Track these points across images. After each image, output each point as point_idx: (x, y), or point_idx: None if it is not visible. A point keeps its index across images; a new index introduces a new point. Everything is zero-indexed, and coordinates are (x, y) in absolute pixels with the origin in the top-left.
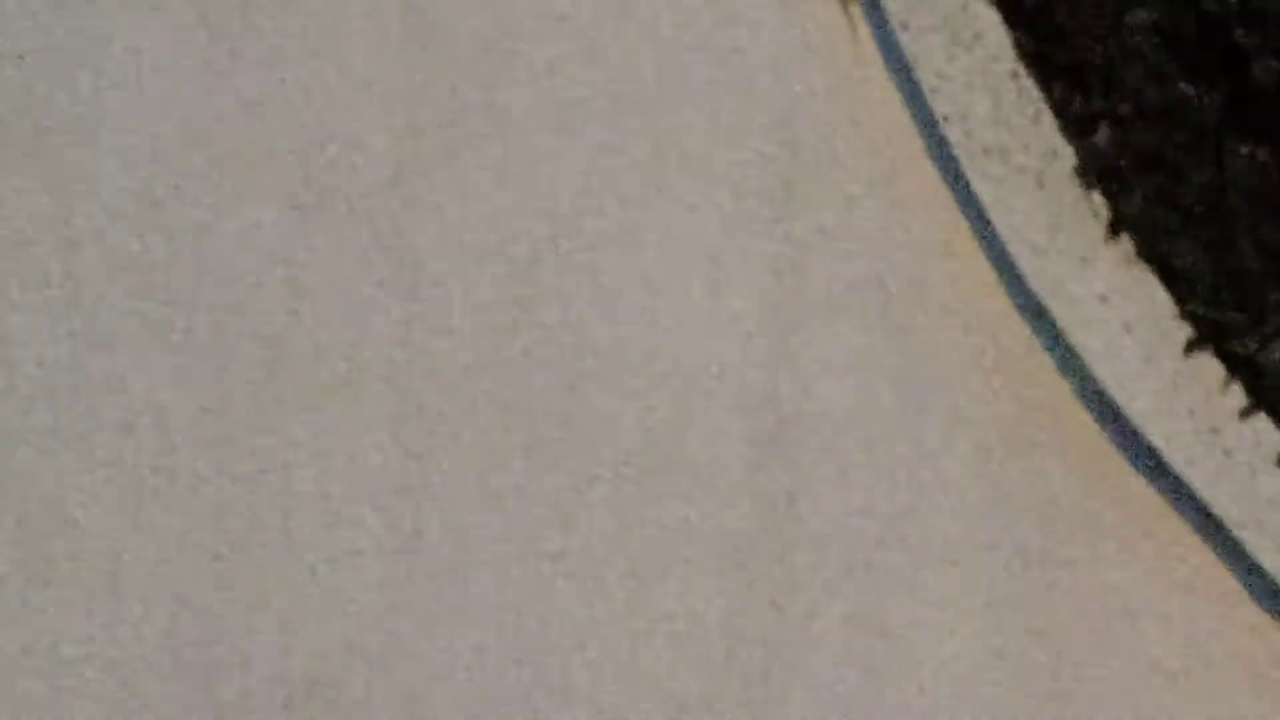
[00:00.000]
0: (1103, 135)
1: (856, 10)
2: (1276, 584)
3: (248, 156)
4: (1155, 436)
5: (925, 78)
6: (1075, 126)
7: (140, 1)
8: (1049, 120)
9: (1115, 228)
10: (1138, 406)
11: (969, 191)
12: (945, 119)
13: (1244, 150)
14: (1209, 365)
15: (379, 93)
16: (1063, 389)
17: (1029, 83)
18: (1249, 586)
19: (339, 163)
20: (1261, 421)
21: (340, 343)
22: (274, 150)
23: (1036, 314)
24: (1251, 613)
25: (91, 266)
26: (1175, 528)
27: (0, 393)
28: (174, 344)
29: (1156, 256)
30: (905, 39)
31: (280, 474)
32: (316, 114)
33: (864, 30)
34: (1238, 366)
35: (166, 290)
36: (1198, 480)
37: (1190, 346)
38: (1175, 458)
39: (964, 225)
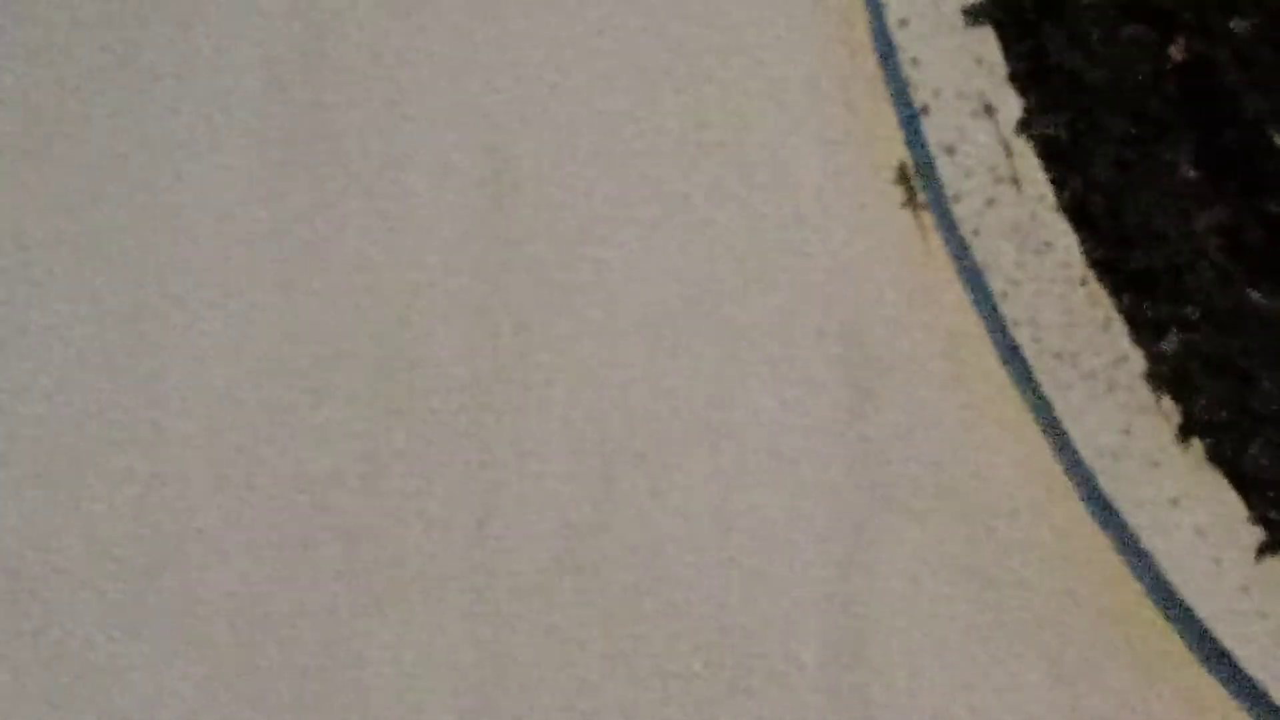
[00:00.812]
0: (1172, 340)
1: (927, 217)
2: None
3: (330, 351)
4: (1227, 640)
5: (995, 284)
6: (1145, 332)
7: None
8: (1119, 326)
9: (1186, 432)
10: (1209, 610)
11: (1040, 396)
12: (1015, 324)
13: None
14: None
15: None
16: (1135, 592)
17: (1098, 288)
18: None
19: (420, 366)
20: None
21: (419, 538)
22: (355, 348)
23: (1108, 517)
24: None
25: (175, 459)
26: None
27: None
28: (255, 536)
29: (1227, 460)
30: (976, 245)
31: (355, 669)
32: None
33: (934, 236)
34: None
35: (248, 479)
36: (1271, 684)
37: (1262, 550)
38: (1248, 662)
39: (1035, 429)
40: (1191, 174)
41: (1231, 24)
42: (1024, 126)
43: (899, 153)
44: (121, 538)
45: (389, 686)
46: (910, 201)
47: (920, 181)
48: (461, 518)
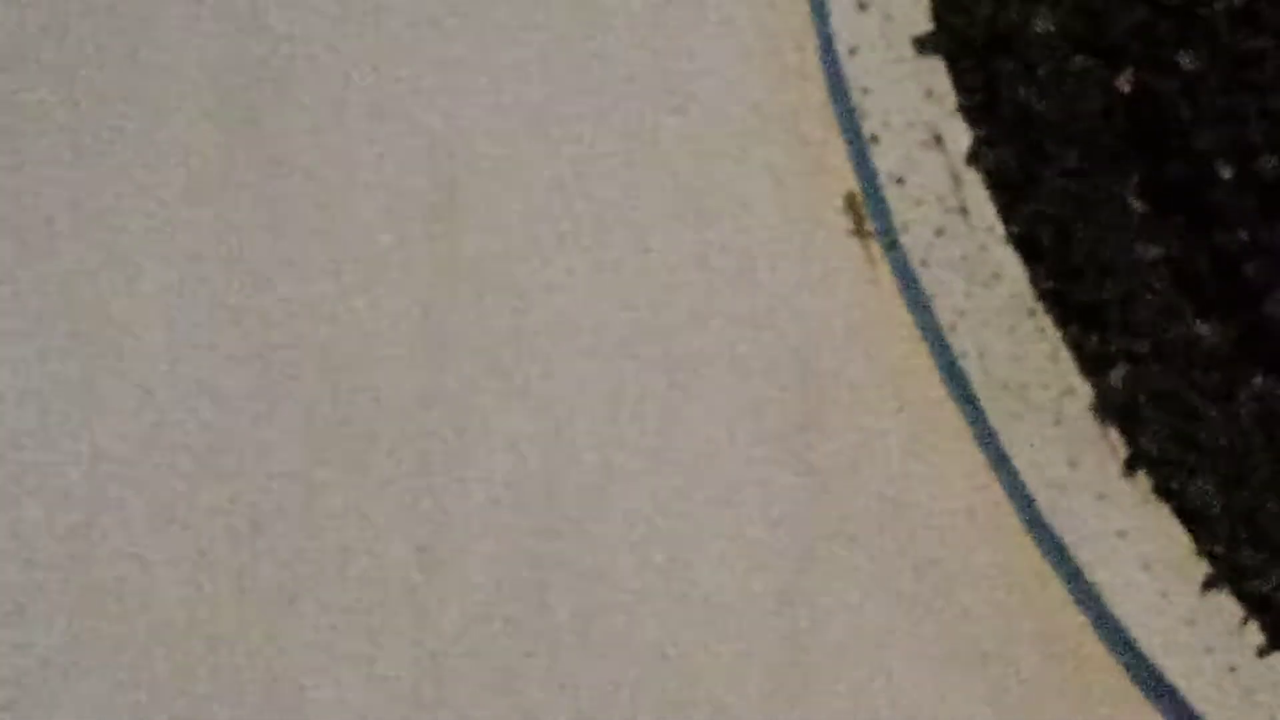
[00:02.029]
0: (1119, 372)
1: (875, 246)
2: None
3: (271, 375)
4: (1173, 674)
5: (943, 314)
6: (1092, 364)
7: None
8: (1066, 358)
9: (1132, 464)
10: (1155, 643)
11: (987, 427)
12: (963, 355)
13: (1258, 387)
14: (1226, 603)
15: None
16: (1081, 625)
17: (1046, 320)
18: None
19: (361, 391)
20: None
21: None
22: (296, 372)
23: (1054, 549)
24: None
25: (111, 484)
26: None
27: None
28: (193, 563)
29: (1174, 494)
30: (924, 275)
31: (295, 698)
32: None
33: (882, 266)
34: (1255, 605)
35: (187, 504)
36: (1217, 718)
37: (1207, 584)
38: (1193, 695)
39: (981, 459)
40: (1139, 206)
41: (1179, 58)
42: (973, 158)
43: (848, 182)
44: (57, 564)
45: (331, 716)
46: (858, 231)
47: (868, 211)
48: (402, 545)
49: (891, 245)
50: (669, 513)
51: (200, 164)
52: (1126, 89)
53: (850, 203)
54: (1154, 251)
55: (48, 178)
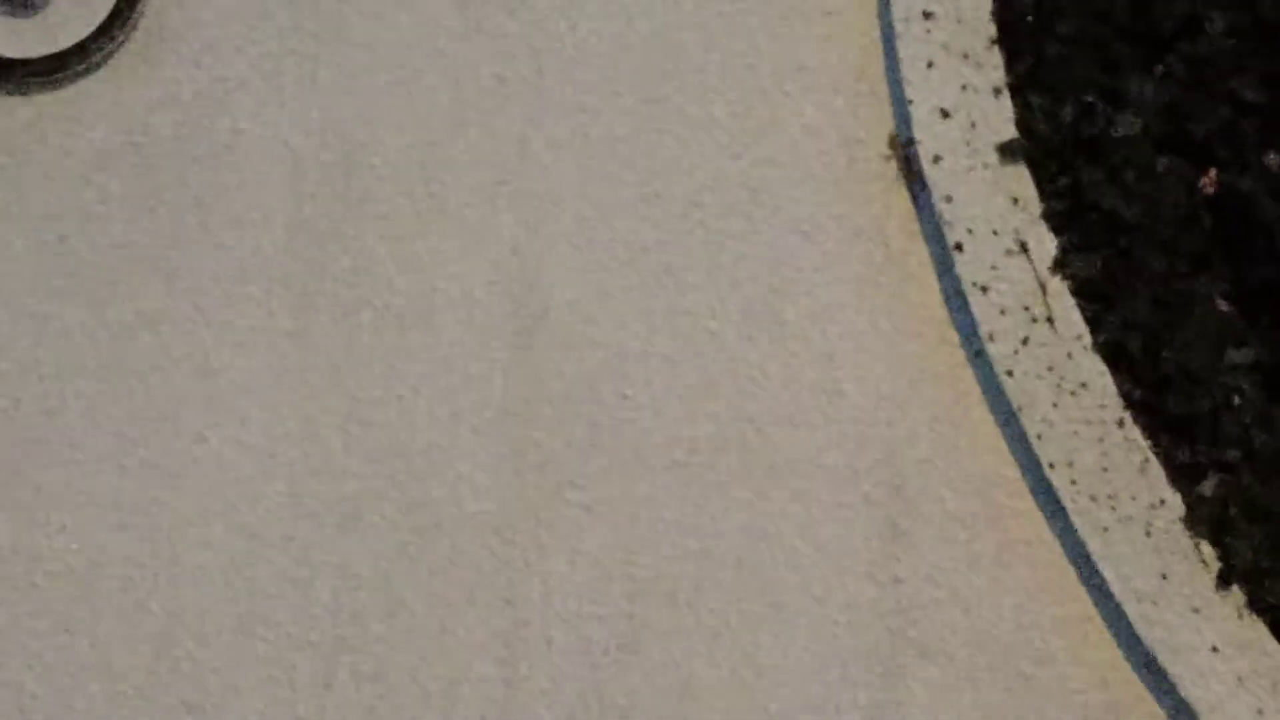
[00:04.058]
0: (1210, 484)
1: (961, 355)
2: None
3: (353, 487)
4: None
5: (1030, 424)
6: (1183, 475)
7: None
8: (1156, 469)
9: (1226, 578)
10: None
11: (1076, 538)
12: (1051, 466)
13: None
14: None
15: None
16: None
17: (1135, 431)
18: None
19: (444, 504)
20: None
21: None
22: (379, 485)
23: (1146, 664)
24: None
25: (193, 596)
26: None
27: None
28: (275, 675)
29: (1268, 608)
30: (1010, 385)
31: None
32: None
33: (969, 376)
34: None
35: (268, 617)
36: None
37: None
38: None
39: (1071, 572)
40: (1225, 309)
41: (1265, 157)
42: (1059, 265)
43: (933, 290)
44: (139, 677)
45: None
46: (944, 339)
47: (954, 319)
48: (485, 659)
49: (977, 354)
50: (752, 625)
51: (280, 274)
52: (1211, 190)
53: (935, 310)
54: (1243, 355)
55: (129, 284)
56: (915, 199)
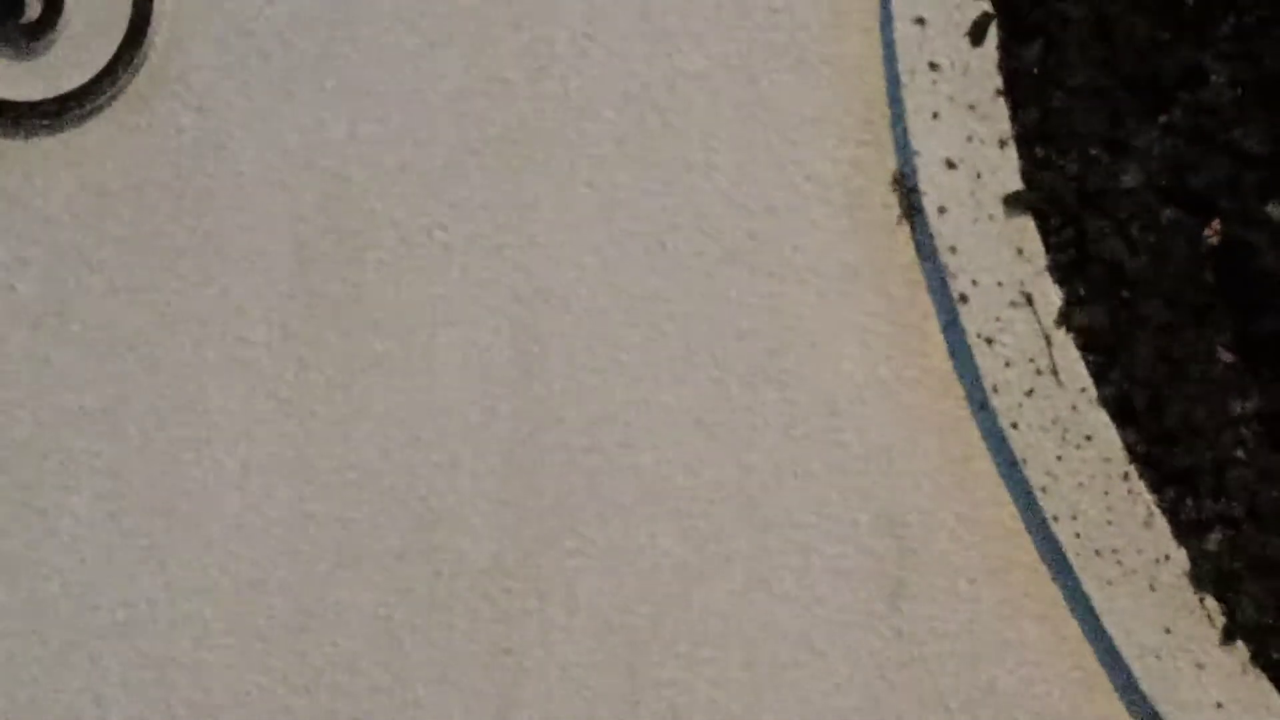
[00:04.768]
0: (1214, 538)
1: (965, 407)
2: None
3: (352, 533)
4: None
5: (1035, 477)
6: (1188, 529)
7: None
8: (1161, 523)
9: (1230, 633)
10: None
11: (1080, 592)
12: (1055, 519)
13: None
14: None
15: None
16: None
17: (1140, 484)
18: None
19: (443, 550)
20: None
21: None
22: (377, 530)
23: (1150, 718)
24: None
25: (191, 643)
26: None
27: None
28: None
29: (1273, 664)
30: (1015, 437)
31: None
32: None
33: (972, 427)
34: None
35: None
36: None
37: None
38: None
39: (1075, 626)
40: (1229, 360)
41: (1268, 208)
42: (1064, 317)
43: (936, 341)
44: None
45: None
46: (947, 390)
47: (958, 371)
48: (482, 707)
49: (981, 407)
50: (753, 677)
51: (281, 319)
52: (1215, 242)
53: (939, 363)
54: (1247, 406)
55: (128, 326)
56: (917, 246)
